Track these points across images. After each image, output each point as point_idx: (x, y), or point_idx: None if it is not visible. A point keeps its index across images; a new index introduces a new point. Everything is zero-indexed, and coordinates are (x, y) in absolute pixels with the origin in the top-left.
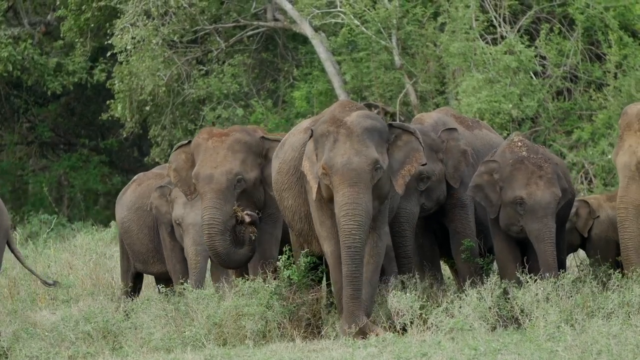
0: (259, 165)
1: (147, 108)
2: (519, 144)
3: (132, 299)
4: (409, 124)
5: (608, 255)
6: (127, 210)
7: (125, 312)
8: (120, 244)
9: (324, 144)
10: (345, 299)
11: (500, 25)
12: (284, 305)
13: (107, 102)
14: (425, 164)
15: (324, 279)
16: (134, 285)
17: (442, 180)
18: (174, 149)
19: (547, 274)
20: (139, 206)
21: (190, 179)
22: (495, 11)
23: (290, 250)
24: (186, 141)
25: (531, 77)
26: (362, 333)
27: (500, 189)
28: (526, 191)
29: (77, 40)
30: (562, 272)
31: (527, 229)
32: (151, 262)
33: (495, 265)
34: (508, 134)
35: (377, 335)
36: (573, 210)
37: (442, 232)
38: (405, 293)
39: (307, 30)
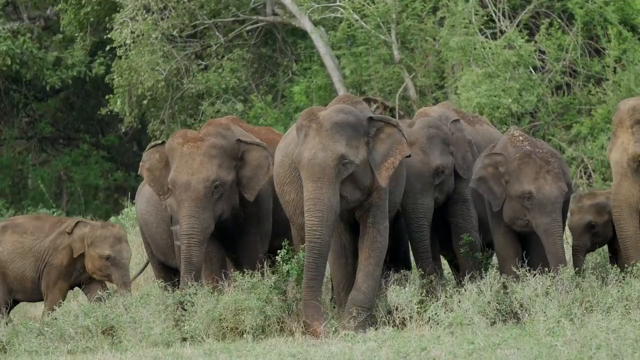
0: (235, 167)
1: (146, 102)
2: (520, 138)
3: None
4: (410, 118)
5: None
6: (145, 203)
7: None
8: (142, 234)
9: (299, 137)
10: (304, 289)
11: (499, 20)
12: (283, 299)
13: (106, 96)
14: (410, 155)
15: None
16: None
17: (452, 173)
18: (147, 148)
19: (559, 267)
20: (156, 199)
21: (164, 178)
22: (495, 5)
23: (289, 244)
24: (160, 141)
25: (530, 72)
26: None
27: (505, 183)
28: (535, 185)
29: (77, 34)
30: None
31: (534, 223)
32: (171, 256)
33: (494, 260)
34: (507, 129)
35: (313, 331)
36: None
37: (442, 226)
38: (405, 288)
39: (306, 25)
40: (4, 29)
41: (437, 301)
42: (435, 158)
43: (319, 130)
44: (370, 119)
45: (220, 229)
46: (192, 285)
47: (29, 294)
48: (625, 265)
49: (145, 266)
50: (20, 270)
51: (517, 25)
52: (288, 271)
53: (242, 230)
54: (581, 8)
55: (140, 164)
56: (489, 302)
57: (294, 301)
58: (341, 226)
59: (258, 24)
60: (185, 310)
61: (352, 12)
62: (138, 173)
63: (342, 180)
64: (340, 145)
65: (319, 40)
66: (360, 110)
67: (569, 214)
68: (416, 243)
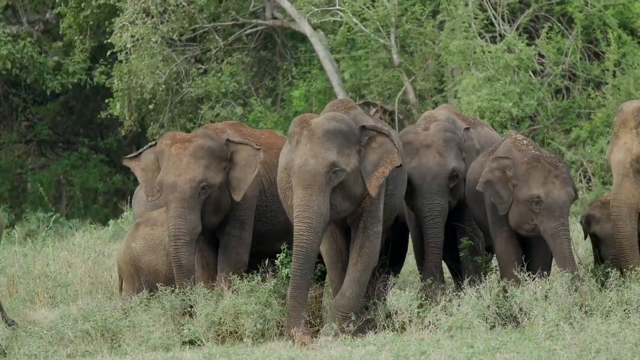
0: (224, 169)
1: (151, 107)
2: (525, 141)
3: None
4: (410, 121)
5: None
6: (143, 206)
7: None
8: None
9: (291, 144)
10: (288, 296)
11: (499, 24)
12: (282, 303)
13: (106, 100)
14: (401, 165)
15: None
16: None
17: (463, 178)
18: (144, 148)
19: (567, 269)
20: (154, 203)
21: (155, 180)
22: (494, 9)
23: (289, 248)
24: (154, 142)
25: (530, 76)
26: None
27: (513, 187)
28: (543, 190)
29: (76, 38)
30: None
31: (542, 227)
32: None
33: (493, 263)
34: (507, 132)
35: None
36: None
37: (446, 231)
38: (404, 291)
39: (306, 29)
40: (4, 32)
41: (436, 305)
42: (451, 161)
43: (310, 138)
44: (363, 127)
45: (213, 233)
46: (190, 288)
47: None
48: (624, 270)
49: None
50: (152, 263)
51: (517, 29)
52: (287, 275)
53: (224, 232)
54: (581, 12)
55: (135, 162)
56: (488, 306)
57: None
58: (336, 231)
59: (257, 28)
60: (191, 316)
61: (351, 15)
62: (128, 166)
63: (333, 189)
64: (332, 153)
65: (319, 44)
66: (353, 116)
67: (593, 222)
68: (430, 239)
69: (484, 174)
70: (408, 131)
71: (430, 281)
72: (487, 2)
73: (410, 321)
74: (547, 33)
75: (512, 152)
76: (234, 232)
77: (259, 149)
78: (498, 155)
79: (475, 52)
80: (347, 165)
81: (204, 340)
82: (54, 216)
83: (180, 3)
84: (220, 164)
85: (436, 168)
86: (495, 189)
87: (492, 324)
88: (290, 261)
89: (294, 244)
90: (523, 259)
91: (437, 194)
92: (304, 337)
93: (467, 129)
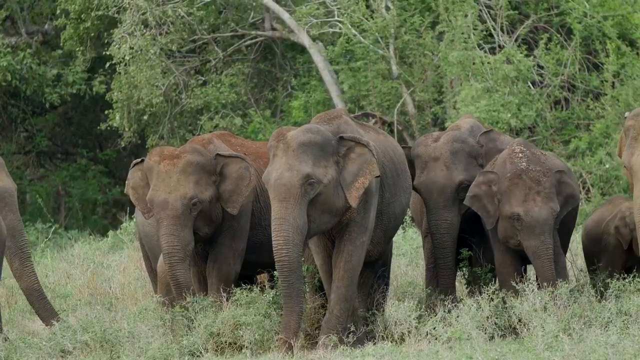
0: (214, 182)
1: (145, 118)
2: (520, 155)
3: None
4: (408, 133)
5: None
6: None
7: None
8: (142, 247)
9: (270, 158)
10: (284, 309)
11: (498, 35)
12: (281, 314)
13: (105, 112)
14: (379, 175)
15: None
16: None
17: None
18: (130, 166)
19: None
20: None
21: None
22: (494, 20)
23: None
24: (140, 159)
25: (529, 87)
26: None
27: (498, 202)
28: (523, 208)
29: (77, 49)
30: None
31: (524, 244)
32: None
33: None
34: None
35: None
36: None
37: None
38: (403, 303)
39: (305, 40)
40: (3, 44)
41: (435, 316)
42: (458, 173)
43: (286, 151)
44: (341, 138)
45: (205, 246)
46: (187, 301)
47: None
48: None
49: None
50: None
51: (516, 40)
52: None
53: (215, 243)
54: (580, 23)
55: (126, 182)
56: (487, 317)
57: None
58: (329, 245)
59: (257, 39)
60: (190, 329)
61: (350, 27)
62: (124, 192)
63: (312, 202)
64: (307, 165)
65: (318, 55)
66: (337, 126)
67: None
68: (439, 260)
69: (471, 188)
70: (419, 143)
71: (443, 298)
72: (486, 13)
73: (409, 332)
74: (545, 44)
75: (505, 166)
76: (226, 243)
77: (244, 159)
78: (485, 170)
79: (474, 63)
80: (324, 177)
81: (203, 352)
82: (53, 227)
83: (180, 14)
84: (210, 178)
85: (442, 182)
86: (481, 203)
87: (491, 335)
88: None
89: (275, 258)
90: (524, 270)
91: (443, 209)
92: (290, 344)
93: (487, 132)
